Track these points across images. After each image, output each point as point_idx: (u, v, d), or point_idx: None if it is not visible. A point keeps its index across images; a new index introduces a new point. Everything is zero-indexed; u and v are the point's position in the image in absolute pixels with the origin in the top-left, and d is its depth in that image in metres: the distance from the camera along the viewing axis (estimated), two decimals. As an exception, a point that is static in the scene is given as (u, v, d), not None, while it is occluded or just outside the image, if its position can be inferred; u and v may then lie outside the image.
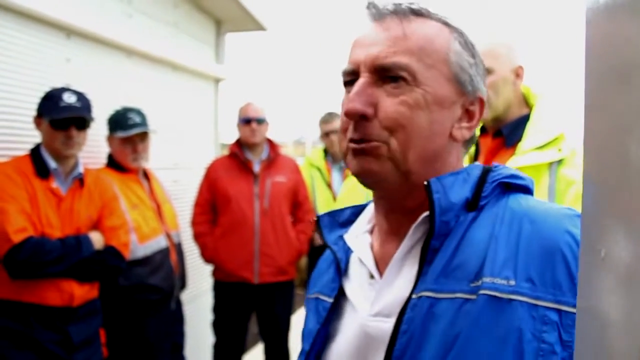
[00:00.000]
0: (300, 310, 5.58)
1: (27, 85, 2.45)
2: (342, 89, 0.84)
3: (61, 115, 2.25)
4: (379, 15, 0.80)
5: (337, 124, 3.92)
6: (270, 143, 3.47)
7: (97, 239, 2.33)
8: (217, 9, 4.22)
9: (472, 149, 2.01)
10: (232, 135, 3.58)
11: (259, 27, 4.64)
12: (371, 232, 0.89)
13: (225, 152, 3.56)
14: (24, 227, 2.11)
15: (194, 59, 3.95)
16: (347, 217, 0.93)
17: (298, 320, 4.96)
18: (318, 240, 3.85)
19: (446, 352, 0.69)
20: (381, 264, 0.83)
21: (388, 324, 0.76)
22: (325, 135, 3.95)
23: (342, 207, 0.96)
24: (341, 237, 0.90)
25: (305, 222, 3.52)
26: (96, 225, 2.39)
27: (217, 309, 3.44)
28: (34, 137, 2.37)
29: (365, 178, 0.79)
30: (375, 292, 0.81)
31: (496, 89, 1.79)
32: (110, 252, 2.36)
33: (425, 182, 0.76)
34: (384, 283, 0.80)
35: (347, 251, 0.89)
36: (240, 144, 3.41)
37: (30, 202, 2.17)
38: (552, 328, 0.65)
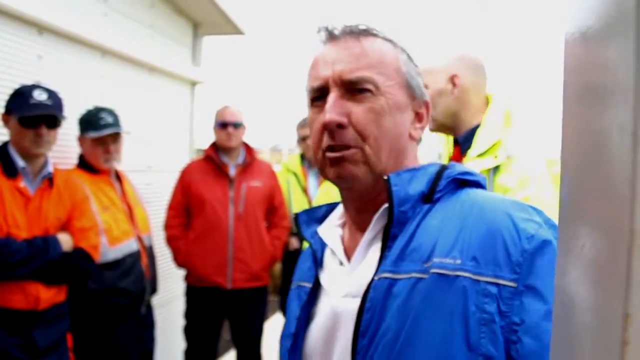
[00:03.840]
0: (273, 316, 5.53)
1: (-4, 81, 2.38)
2: (308, 106, 0.93)
3: (31, 112, 2.19)
4: (333, 36, 0.90)
5: (313, 129, 3.90)
6: (247, 147, 3.44)
7: (65, 241, 2.27)
8: (195, 12, 4.19)
9: (447, 160, 2.03)
10: (207, 140, 3.54)
11: (237, 31, 4.62)
12: (342, 226, 1.00)
13: (201, 156, 3.52)
14: (-11, 227, 2.05)
15: (170, 60, 3.91)
16: (323, 213, 1.04)
17: (271, 326, 4.91)
18: (293, 245, 3.81)
19: (402, 325, 0.78)
20: (350, 253, 0.94)
21: (355, 303, 0.85)
22: (302, 140, 3.94)
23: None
24: (317, 231, 1.00)
25: (280, 227, 3.49)
26: (65, 227, 2.33)
27: (189, 314, 3.39)
28: (2, 134, 2.30)
29: (343, 182, 0.90)
30: (344, 276, 0.91)
31: (432, 101, 1.82)
32: (80, 254, 2.30)
33: (385, 177, 0.86)
34: (351, 268, 0.91)
35: (323, 244, 0.99)
36: (216, 148, 3.37)
37: (-5, 201, 2.10)
38: (492, 300, 0.75)
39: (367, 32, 0.90)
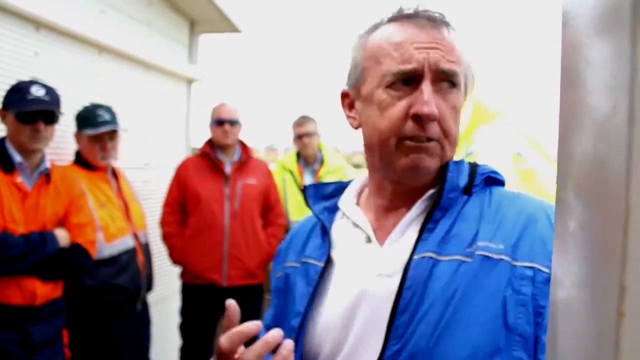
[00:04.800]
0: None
1: (-7, 77, 2.38)
2: (381, 87, 0.88)
3: (29, 107, 2.20)
4: (410, 15, 0.88)
5: (310, 127, 3.91)
6: (243, 145, 3.44)
7: (62, 236, 2.27)
8: (192, 9, 4.19)
9: None
10: (203, 137, 3.54)
11: (234, 29, 4.62)
12: (358, 205, 1.00)
13: (197, 153, 3.53)
14: (-14, 222, 2.05)
15: (167, 58, 3.91)
16: (331, 191, 1.04)
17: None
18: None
19: (446, 306, 0.80)
20: (378, 234, 0.93)
21: (392, 283, 0.85)
22: (298, 137, 3.94)
23: None
24: (326, 209, 1.01)
25: (276, 225, 3.50)
26: (62, 222, 2.33)
27: (185, 311, 3.39)
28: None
29: (414, 173, 0.88)
30: (376, 255, 0.90)
31: None
32: (77, 250, 2.30)
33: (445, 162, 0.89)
34: (387, 247, 0.90)
35: (330, 221, 0.99)
36: (212, 145, 3.38)
37: (-7, 196, 2.10)
38: (528, 282, 0.79)
39: (447, 23, 0.90)
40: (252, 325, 0.82)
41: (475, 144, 1.72)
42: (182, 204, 3.31)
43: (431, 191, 0.90)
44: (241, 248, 3.28)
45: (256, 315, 3.48)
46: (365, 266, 0.90)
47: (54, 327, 2.31)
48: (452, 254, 0.83)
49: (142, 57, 3.53)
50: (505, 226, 0.84)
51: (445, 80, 0.86)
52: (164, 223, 3.31)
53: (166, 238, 3.30)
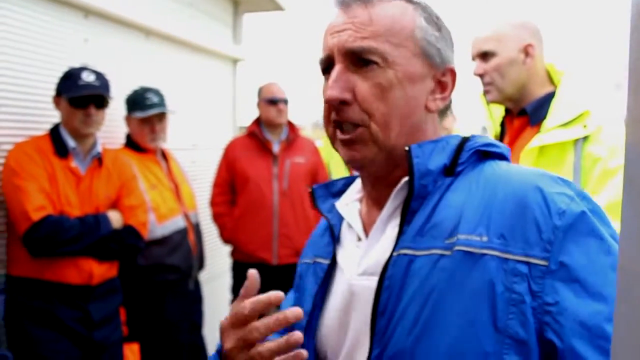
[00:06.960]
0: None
1: (45, 65, 2.45)
2: (321, 77, 0.88)
3: (80, 93, 2.25)
4: (344, 2, 0.84)
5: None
6: (290, 124, 3.44)
7: (115, 218, 2.34)
8: (235, -11, 4.18)
9: (498, 129, 1.97)
10: (249, 116, 3.55)
11: (277, 7, 4.59)
12: (361, 201, 0.95)
13: (244, 133, 3.55)
14: (43, 206, 2.13)
15: (212, 39, 3.93)
16: (340, 187, 0.99)
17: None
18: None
19: (423, 305, 0.74)
20: (368, 229, 0.89)
21: (372, 282, 0.81)
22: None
23: None
24: (334, 206, 0.96)
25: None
26: (115, 205, 2.40)
27: (236, 289, 3.45)
28: (53, 117, 2.38)
29: (355, 164, 0.86)
30: (361, 253, 0.87)
31: (501, 71, 1.78)
32: (129, 231, 2.37)
33: (407, 148, 0.81)
34: (369, 244, 0.86)
35: (340, 219, 0.95)
36: (259, 124, 3.39)
37: (49, 180, 2.18)
38: (521, 279, 0.71)
39: None
40: (276, 296, 0.81)
41: (598, 116, 1.66)
42: (231, 184, 3.35)
43: (405, 179, 0.82)
44: (291, 227, 3.30)
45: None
46: (354, 265, 0.87)
47: (111, 305, 2.40)
48: (430, 248, 0.77)
49: (187, 39, 3.56)
50: (491, 212, 0.75)
51: (359, 58, 0.81)
52: (213, 203, 3.36)
53: (216, 218, 3.35)
